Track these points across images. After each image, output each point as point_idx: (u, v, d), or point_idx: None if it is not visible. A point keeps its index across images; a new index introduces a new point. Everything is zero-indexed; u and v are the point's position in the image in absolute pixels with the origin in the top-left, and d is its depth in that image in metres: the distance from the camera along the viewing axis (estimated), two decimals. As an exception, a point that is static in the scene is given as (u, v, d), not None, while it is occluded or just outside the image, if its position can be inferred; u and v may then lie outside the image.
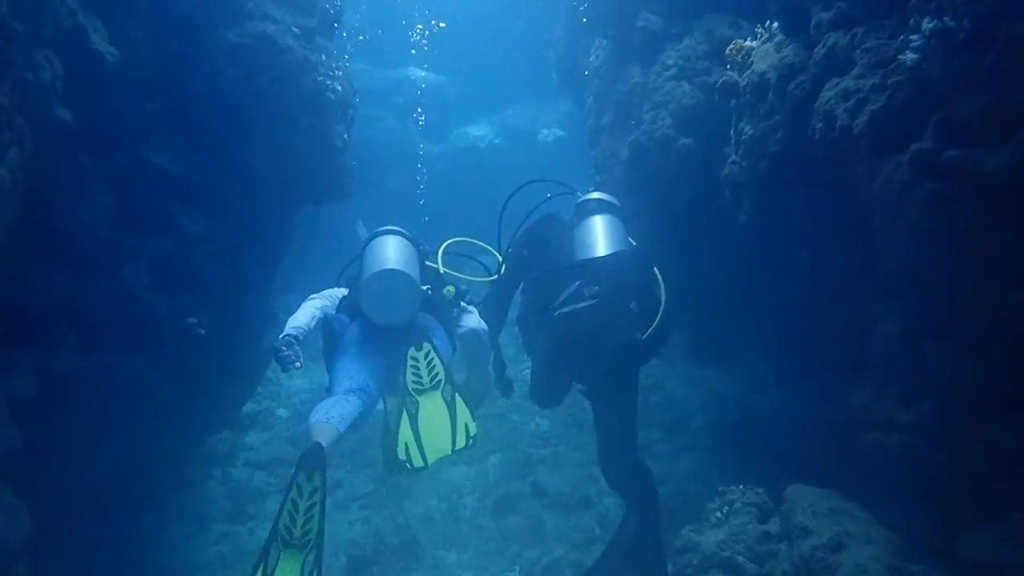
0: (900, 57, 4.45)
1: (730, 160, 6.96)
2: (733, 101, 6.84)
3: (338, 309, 5.36)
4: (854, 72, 4.90)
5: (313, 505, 3.95)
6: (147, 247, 6.85)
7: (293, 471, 4.00)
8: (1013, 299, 4.21)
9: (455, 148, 17.58)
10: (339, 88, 8.42)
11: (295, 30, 7.81)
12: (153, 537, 7.73)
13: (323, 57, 8.29)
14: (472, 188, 15.21)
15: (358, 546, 8.05)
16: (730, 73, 6.87)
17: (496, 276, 6.22)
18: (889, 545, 5.18)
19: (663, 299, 5.55)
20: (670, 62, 8.53)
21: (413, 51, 17.30)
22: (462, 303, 5.51)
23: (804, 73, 5.65)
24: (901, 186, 4.43)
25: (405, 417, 4.32)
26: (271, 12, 7.70)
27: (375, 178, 14.68)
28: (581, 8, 10.89)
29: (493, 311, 5.93)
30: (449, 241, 6.07)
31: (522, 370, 6.78)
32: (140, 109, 6.89)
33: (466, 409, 4.43)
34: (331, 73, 8.35)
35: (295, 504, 3.94)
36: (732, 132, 6.90)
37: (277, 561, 3.90)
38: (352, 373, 4.85)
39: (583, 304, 5.39)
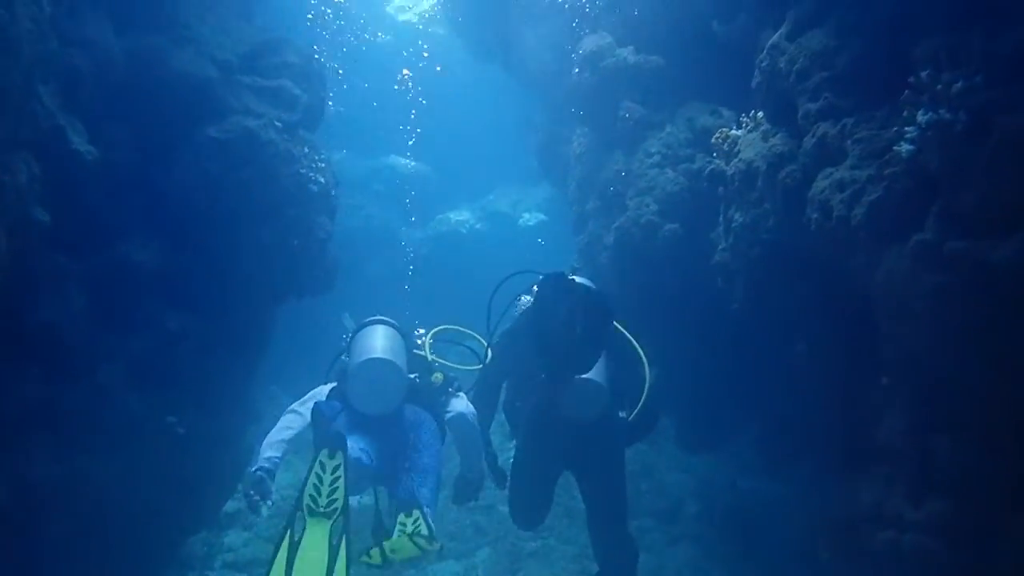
0: (895, 148, 4.44)
1: (720, 247, 6.95)
2: (721, 189, 6.86)
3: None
4: (847, 162, 4.89)
5: (337, 478, 4.11)
6: (125, 346, 6.80)
7: (314, 452, 4.18)
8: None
9: (437, 233, 17.71)
10: (322, 180, 8.39)
11: (278, 124, 7.82)
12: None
13: (306, 149, 8.27)
14: (455, 272, 15.26)
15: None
16: (717, 161, 6.90)
17: (483, 364, 6.13)
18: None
19: (647, 379, 5.45)
20: (653, 149, 8.64)
21: (394, 139, 17.49)
22: (450, 389, 5.48)
23: (794, 162, 5.66)
24: (905, 277, 4.36)
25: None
26: (254, 107, 7.73)
27: (357, 265, 14.63)
28: (562, 97, 11.02)
29: (482, 400, 5.84)
30: (437, 328, 6.08)
31: (508, 459, 6.65)
32: (119, 206, 6.86)
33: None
34: (314, 165, 8.31)
35: (319, 478, 4.12)
36: (721, 219, 6.90)
37: (304, 528, 4.06)
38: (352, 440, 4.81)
39: (542, 386, 5.37)
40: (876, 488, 5.20)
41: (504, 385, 5.95)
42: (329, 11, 14.50)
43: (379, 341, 5.20)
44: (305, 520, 4.20)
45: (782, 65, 5.79)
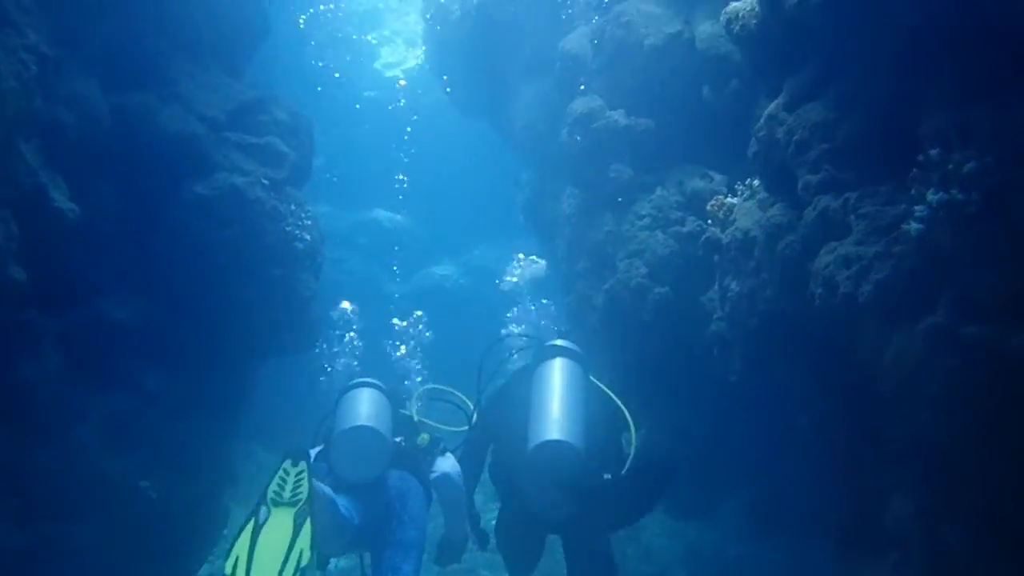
0: (904, 226, 4.35)
1: (716, 316, 6.85)
2: (716, 257, 6.78)
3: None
4: (852, 238, 4.80)
5: (301, 479, 4.17)
6: (99, 405, 6.69)
7: (279, 459, 4.24)
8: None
9: (420, 288, 17.53)
10: (307, 237, 8.27)
11: (264, 182, 7.72)
12: None
13: (292, 207, 8.16)
14: (438, 328, 15.04)
15: None
16: (712, 228, 6.83)
17: (469, 427, 6.04)
18: None
19: (633, 441, 5.34)
20: (643, 212, 8.57)
21: (379, 193, 17.46)
22: (435, 450, 5.48)
23: (793, 233, 5.58)
24: (916, 360, 4.25)
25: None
26: (241, 164, 7.65)
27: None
28: (550, 156, 10.99)
29: (467, 463, 5.77)
30: (423, 388, 6.16)
31: (491, 519, 6.52)
32: (99, 262, 6.79)
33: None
34: (300, 223, 8.19)
35: (283, 480, 4.18)
36: (717, 287, 6.82)
37: (268, 516, 4.10)
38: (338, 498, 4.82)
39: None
40: (886, 575, 5.02)
41: (491, 448, 5.84)
42: (321, 63, 14.57)
43: (363, 407, 5.17)
44: (270, 510, 4.22)
45: (780, 136, 5.73)
